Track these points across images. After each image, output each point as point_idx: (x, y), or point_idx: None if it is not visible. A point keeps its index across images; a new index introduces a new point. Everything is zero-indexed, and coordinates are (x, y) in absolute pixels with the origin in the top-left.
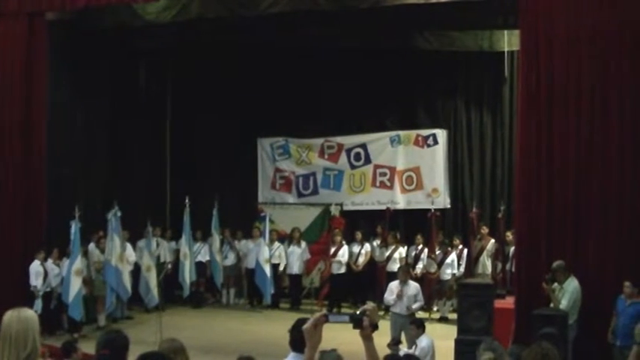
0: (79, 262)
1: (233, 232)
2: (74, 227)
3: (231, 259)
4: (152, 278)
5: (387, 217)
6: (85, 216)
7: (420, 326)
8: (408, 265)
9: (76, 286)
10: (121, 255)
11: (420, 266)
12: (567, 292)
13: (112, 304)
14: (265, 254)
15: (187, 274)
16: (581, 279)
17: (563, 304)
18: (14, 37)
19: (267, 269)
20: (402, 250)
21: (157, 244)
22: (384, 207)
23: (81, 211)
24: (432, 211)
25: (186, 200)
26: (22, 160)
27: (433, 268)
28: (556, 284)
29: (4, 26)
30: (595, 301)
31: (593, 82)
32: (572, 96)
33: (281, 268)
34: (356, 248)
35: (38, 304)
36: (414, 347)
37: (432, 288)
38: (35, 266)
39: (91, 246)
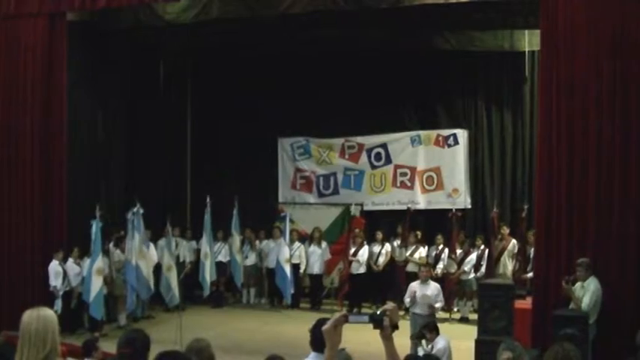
0: (99, 262)
1: (256, 232)
2: (95, 226)
3: (251, 259)
4: (173, 277)
5: (407, 217)
6: (104, 216)
7: (433, 329)
8: (429, 265)
9: (97, 285)
10: (142, 252)
11: (440, 266)
12: (589, 291)
13: (132, 302)
14: (286, 254)
15: (208, 274)
16: (602, 279)
17: (585, 302)
18: (35, 37)
19: (288, 269)
20: (422, 250)
21: (176, 244)
22: (404, 207)
23: (102, 211)
24: (453, 210)
25: (207, 200)
26: (41, 160)
27: (453, 268)
28: (578, 283)
29: (24, 26)
30: (616, 301)
31: (613, 81)
32: (592, 96)
33: (302, 268)
34: (376, 248)
35: (58, 303)
36: (430, 347)
37: (451, 289)
38: (54, 266)
39: (111, 246)
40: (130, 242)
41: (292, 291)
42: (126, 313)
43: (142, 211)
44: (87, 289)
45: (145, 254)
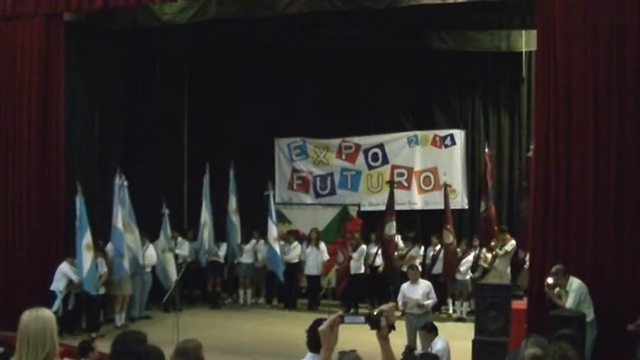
0: (88, 237)
1: (251, 233)
2: (79, 202)
3: (247, 258)
4: (169, 260)
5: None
6: (101, 218)
7: (431, 330)
8: (425, 266)
9: (87, 260)
10: (130, 227)
11: (438, 267)
12: (572, 292)
13: (121, 268)
14: (274, 233)
15: (207, 243)
16: (599, 279)
17: (569, 302)
18: (31, 37)
19: (277, 247)
20: (415, 250)
21: (176, 243)
22: (401, 208)
23: (82, 186)
24: (445, 182)
25: (207, 166)
26: (39, 160)
27: (449, 240)
28: (560, 290)
29: (21, 27)
30: (614, 300)
31: (610, 82)
32: (589, 97)
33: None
34: (372, 249)
35: (57, 304)
36: (429, 349)
37: (450, 260)
38: (63, 268)
39: (109, 246)
40: (117, 208)
41: (283, 268)
42: (114, 276)
43: (126, 183)
44: (79, 266)
45: (132, 229)
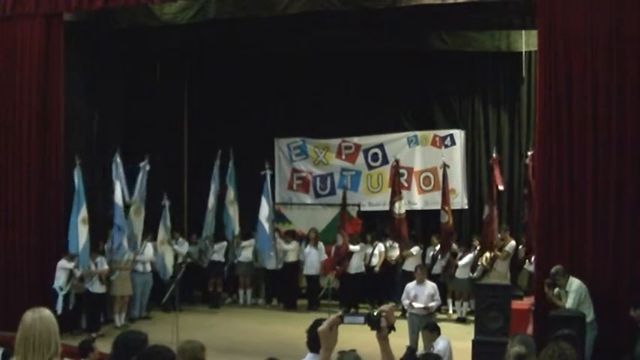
0: (84, 211)
1: (250, 232)
2: (77, 176)
3: (246, 256)
4: (167, 253)
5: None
6: (102, 219)
7: (434, 330)
8: (425, 265)
9: (83, 235)
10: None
11: (438, 267)
12: (571, 292)
13: (119, 244)
14: (265, 212)
15: (210, 224)
16: (599, 280)
17: (569, 302)
18: (31, 38)
19: (267, 227)
20: (415, 249)
21: (176, 242)
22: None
23: (81, 159)
24: (442, 162)
25: (219, 151)
26: (38, 160)
27: (445, 219)
28: (560, 291)
29: (21, 27)
30: (615, 299)
31: (610, 82)
32: (589, 96)
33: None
34: (368, 249)
35: (59, 303)
36: (431, 349)
37: (447, 239)
38: (61, 263)
39: (107, 246)
40: (116, 185)
41: (272, 253)
42: (109, 257)
43: (148, 167)
44: (74, 240)
45: (140, 212)
